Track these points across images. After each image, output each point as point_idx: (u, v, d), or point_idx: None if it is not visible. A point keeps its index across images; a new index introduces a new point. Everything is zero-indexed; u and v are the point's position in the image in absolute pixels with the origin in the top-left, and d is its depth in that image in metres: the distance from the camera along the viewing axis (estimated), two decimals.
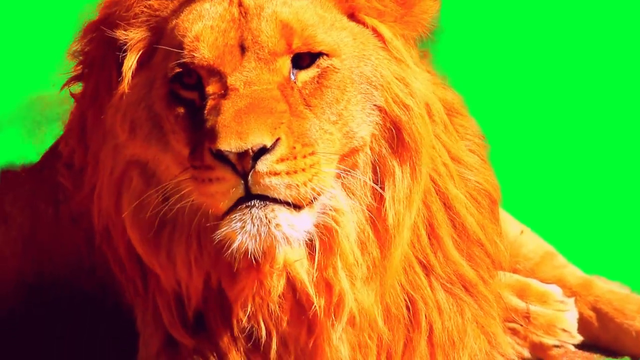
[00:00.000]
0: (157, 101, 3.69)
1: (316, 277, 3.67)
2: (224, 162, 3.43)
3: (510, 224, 4.83)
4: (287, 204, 3.47)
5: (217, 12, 3.62)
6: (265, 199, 3.46)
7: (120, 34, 3.74)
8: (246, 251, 3.50)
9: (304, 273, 3.68)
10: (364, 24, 3.69)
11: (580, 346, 4.54)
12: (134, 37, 3.74)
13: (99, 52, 3.89)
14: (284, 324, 3.73)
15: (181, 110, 3.62)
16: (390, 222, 3.68)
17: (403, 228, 3.69)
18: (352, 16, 3.70)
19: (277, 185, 3.44)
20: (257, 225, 3.46)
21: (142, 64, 3.75)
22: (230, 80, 3.53)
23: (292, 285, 3.70)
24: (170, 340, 3.86)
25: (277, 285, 3.68)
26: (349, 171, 3.64)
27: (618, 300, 4.61)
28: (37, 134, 4.50)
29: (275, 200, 3.46)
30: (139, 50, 3.74)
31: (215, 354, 3.79)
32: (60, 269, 4.37)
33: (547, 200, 5.86)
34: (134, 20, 3.75)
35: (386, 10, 3.71)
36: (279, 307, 3.70)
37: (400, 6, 3.73)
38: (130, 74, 3.73)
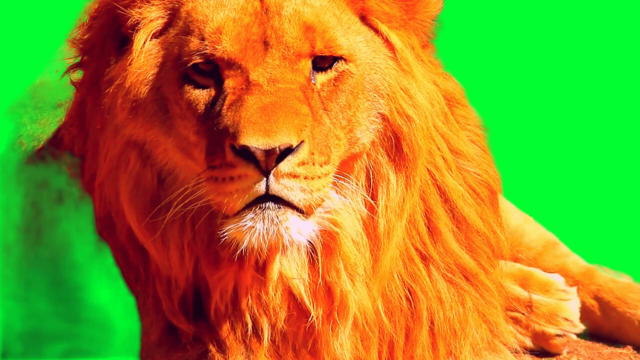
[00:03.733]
0: (166, 84, 3.66)
1: (310, 281, 3.70)
2: (247, 159, 3.43)
3: (512, 214, 4.83)
4: (296, 209, 3.49)
5: (239, 4, 3.60)
6: (279, 201, 3.48)
7: (135, 12, 3.70)
8: (252, 249, 3.53)
9: (300, 283, 3.71)
10: (375, 29, 3.70)
11: (583, 335, 4.54)
12: (147, 15, 3.70)
13: (98, 38, 3.87)
14: (282, 320, 3.74)
15: (195, 96, 3.59)
16: (381, 229, 3.71)
17: (393, 236, 3.72)
18: (363, 19, 3.70)
19: (293, 188, 3.46)
20: (267, 225, 3.48)
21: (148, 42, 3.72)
22: (253, 76, 3.52)
23: (288, 289, 3.73)
24: (171, 329, 3.87)
25: (272, 291, 3.71)
26: (345, 176, 3.66)
27: (620, 289, 4.61)
28: (39, 121, 4.48)
29: (287, 204, 3.48)
30: (151, 30, 3.70)
31: (214, 341, 3.79)
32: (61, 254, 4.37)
33: (550, 189, 5.85)
34: None
35: (394, 15, 3.71)
36: (277, 303, 3.72)
37: (405, 12, 3.73)
38: (139, 53, 3.68)
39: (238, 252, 3.56)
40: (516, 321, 4.38)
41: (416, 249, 3.81)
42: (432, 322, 3.85)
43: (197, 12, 3.62)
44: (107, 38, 3.82)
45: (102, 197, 3.89)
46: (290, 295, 3.73)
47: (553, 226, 4.94)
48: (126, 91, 3.69)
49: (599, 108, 6.05)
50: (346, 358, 3.76)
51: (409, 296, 3.83)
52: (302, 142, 3.46)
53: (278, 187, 3.45)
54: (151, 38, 3.71)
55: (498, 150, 4.10)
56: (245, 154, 3.43)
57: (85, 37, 3.91)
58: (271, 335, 3.75)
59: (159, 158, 3.72)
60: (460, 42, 5.81)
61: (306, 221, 3.52)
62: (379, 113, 3.68)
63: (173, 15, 3.69)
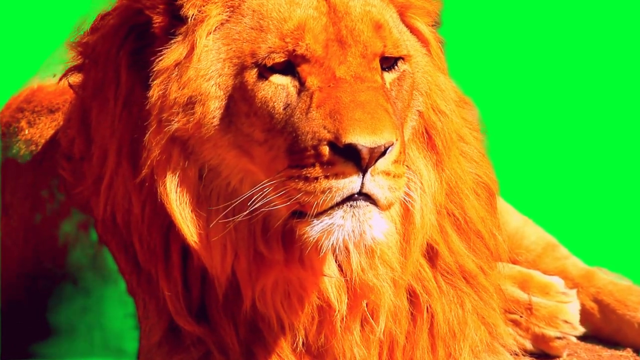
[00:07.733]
0: (233, 80, 3.58)
1: (345, 280, 3.70)
2: (347, 157, 3.40)
3: (512, 216, 4.84)
4: (378, 207, 3.46)
5: (312, 3, 3.57)
6: (367, 198, 3.44)
7: (198, 10, 3.60)
8: (336, 247, 3.48)
9: (332, 283, 3.71)
10: (410, 26, 3.72)
11: (582, 338, 4.55)
12: (208, 12, 3.61)
13: (105, 46, 3.82)
14: (316, 319, 3.74)
15: (271, 94, 3.53)
16: (418, 221, 3.72)
17: (427, 230, 3.73)
18: (401, 15, 3.71)
19: (384, 186, 3.43)
20: (354, 223, 3.44)
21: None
22: (340, 73, 3.49)
23: (323, 288, 3.73)
24: (173, 330, 3.85)
25: (314, 289, 3.71)
26: None
27: (620, 292, 4.61)
28: (37, 125, 4.49)
29: (373, 202, 3.45)
30: (212, 25, 3.61)
31: (216, 342, 3.79)
32: (60, 258, 4.36)
33: (549, 191, 5.86)
34: None
35: (423, 7, 3.74)
36: (315, 302, 3.73)
37: None
38: (201, 48, 3.60)
39: (324, 250, 3.49)
40: (516, 323, 4.38)
41: (424, 248, 3.82)
42: (431, 323, 3.86)
43: (268, 9, 3.57)
44: (114, 46, 3.76)
45: (108, 199, 3.85)
46: (325, 294, 3.71)
47: (552, 228, 4.95)
48: (181, 85, 3.60)
49: (598, 109, 6.06)
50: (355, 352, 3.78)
51: (410, 297, 3.83)
52: (396, 140, 3.44)
53: (372, 184, 3.41)
54: (209, 34, 3.61)
55: (498, 152, 4.12)
56: (348, 152, 3.38)
57: (86, 40, 3.90)
58: (296, 335, 3.76)
59: (204, 154, 3.63)
60: (458, 44, 5.82)
61: (384, 219, 3.49)
62: (417, 110, 3.71)
63: (232, 11, 3.62)
